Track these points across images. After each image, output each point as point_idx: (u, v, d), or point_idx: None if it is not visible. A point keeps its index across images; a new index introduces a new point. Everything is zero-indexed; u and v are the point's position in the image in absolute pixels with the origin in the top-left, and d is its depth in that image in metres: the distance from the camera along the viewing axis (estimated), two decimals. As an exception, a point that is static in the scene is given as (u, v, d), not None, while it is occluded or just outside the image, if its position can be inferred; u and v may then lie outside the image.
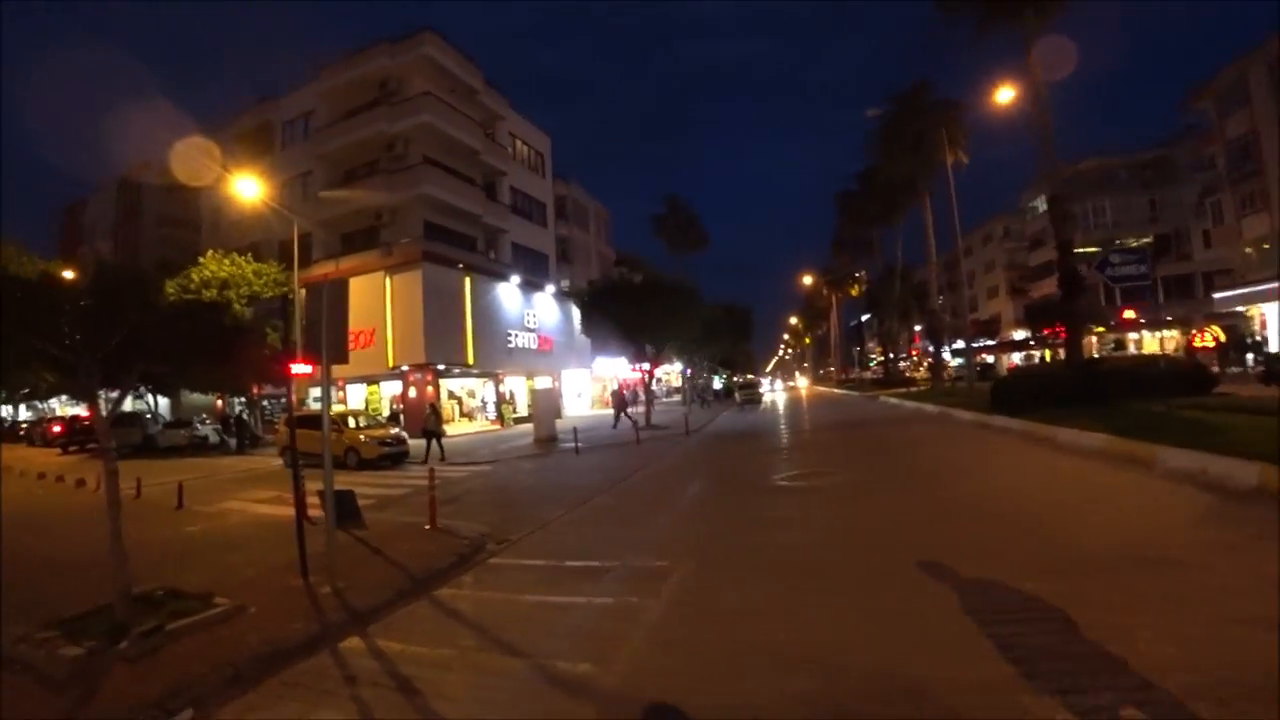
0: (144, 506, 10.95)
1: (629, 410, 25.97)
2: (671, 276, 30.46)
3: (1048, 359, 43.50)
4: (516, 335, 31.25)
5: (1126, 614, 3.73)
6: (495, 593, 5.60)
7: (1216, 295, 32.63)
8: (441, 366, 25.91)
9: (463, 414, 29.20)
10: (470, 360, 27.10)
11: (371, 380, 27.43)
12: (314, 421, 12.36)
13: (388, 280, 25.43)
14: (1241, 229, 30.28)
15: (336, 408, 21.41)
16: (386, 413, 26.43)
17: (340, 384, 26.77)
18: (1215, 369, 20.19)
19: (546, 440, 19.68)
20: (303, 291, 7.37)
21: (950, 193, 24.44)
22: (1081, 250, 25.69)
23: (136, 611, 4.64)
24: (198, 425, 26.85)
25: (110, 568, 4.68)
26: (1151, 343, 42.83)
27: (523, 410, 30.96)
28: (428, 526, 7.91)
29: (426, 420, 18.18)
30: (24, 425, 41.09)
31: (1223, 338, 27.32)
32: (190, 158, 25.36)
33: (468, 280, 27.48)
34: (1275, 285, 26.42)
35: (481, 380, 30.29)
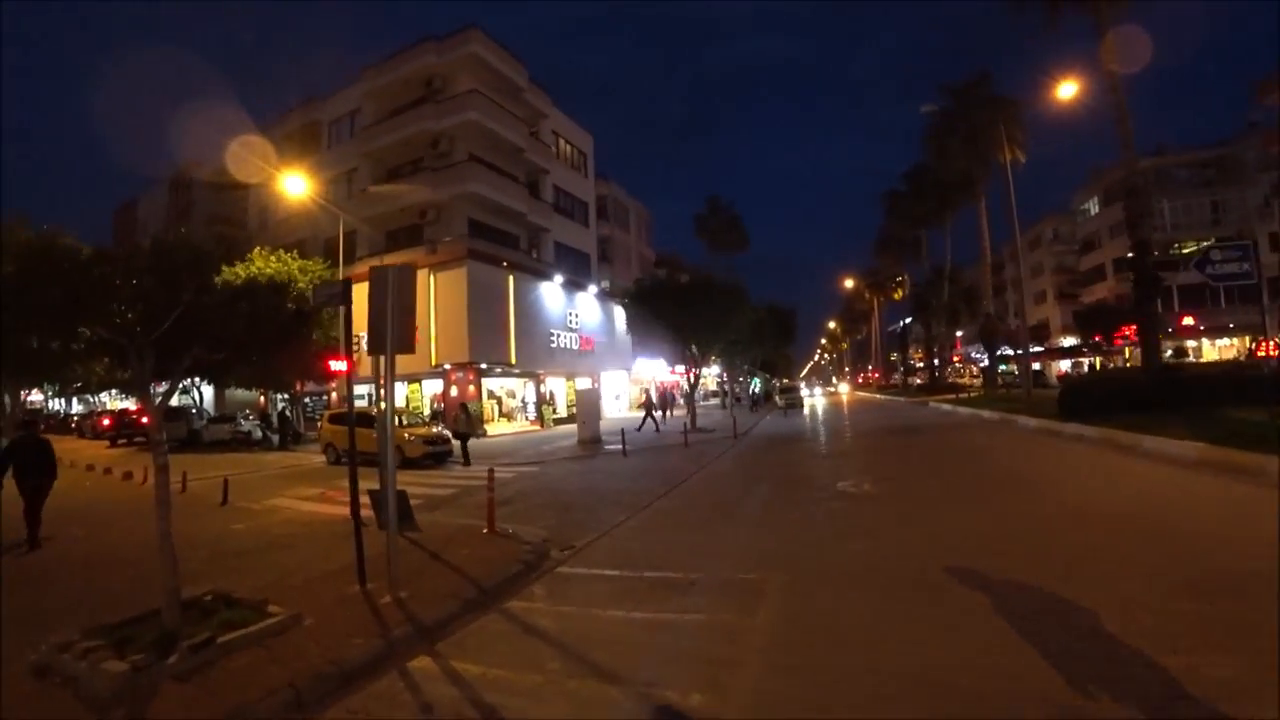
0: (190, 501, 10.78)
1: (656, 413, 25.37)
2: (721, 277, 29.63)
3: (1097, 366, 41.57)
4: (559, 335, 30.79)
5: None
6: (571, 606, 5.04)
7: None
8: (484, 365, 25.62)
9: (502, 414, 28.90)
10: (513, 360, 26.74)
11: (413, 378, 27.28)
12: (360, 420, 12.04)
13: (432, 278, 25.22)
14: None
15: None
16: (427, 412, 26.29)
17: (381, 382, 26.64)
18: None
19: (591, 441, 19.18)
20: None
21: (1009, 192, 23.14)
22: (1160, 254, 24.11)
23: (186, 619, 4.19)
24: (241, 421, 27.17)
25: (158, 565, 4.25)
26: (1210, 351, 40.56)
27: (562, 411, 30.64)
28: (485, 530, 7.41)
29: (456, 421, 17.42)
30: (75, 418, 42.51)
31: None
32: (243, 156, 25.73)
33: (511, 279, 27.16)
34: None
35: (521, 380, 29.96)
